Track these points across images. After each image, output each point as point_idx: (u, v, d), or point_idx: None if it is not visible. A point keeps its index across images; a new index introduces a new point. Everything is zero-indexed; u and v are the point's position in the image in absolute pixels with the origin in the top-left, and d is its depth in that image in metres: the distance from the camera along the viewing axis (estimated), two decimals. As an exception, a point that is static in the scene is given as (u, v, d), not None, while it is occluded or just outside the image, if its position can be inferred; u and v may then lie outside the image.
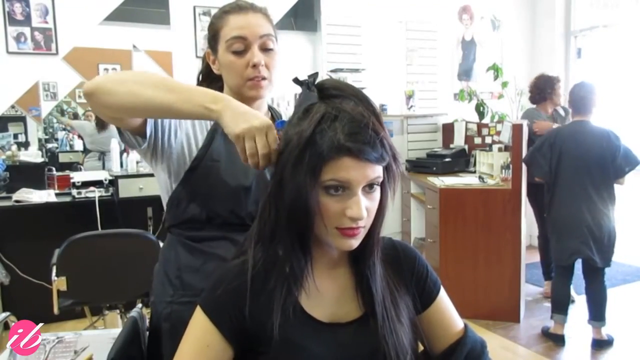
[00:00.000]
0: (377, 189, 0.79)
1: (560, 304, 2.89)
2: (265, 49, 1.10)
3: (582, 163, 2.76)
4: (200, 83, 1.27)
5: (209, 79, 1.24)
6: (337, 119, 0.75)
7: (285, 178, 0.78)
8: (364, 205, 0.76)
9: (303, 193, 0.75)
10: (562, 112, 3.73)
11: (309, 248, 0.82)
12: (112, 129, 2.77)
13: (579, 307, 3.37)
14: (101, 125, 3.81)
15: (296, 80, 0.84)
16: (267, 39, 1.10)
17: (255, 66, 1.08)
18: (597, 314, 2.80)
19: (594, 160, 2.74)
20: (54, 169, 3.47)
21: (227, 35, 1.09)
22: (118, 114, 0.96)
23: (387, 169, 0.80)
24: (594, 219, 2.74)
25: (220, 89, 1.18)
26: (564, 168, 2.82)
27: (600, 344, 2.78)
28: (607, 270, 2.81)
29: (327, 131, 0.74)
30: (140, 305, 1.23)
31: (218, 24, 1.11)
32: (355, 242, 0.80)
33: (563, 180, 2.83)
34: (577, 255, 2.79)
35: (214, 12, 1.17)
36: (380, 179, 0.78)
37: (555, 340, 2.88)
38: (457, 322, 0.93)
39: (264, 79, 1.10)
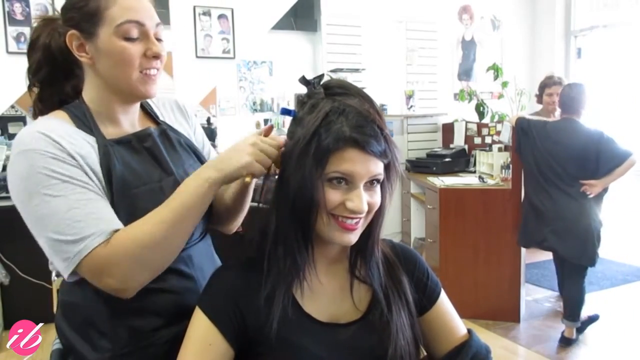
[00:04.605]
0: (378, 186, 0.80)
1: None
2: (158, 40, 0.96)
3: (558, 159, 2.73)
4: (36, 79, 1.00)
5: (52, 73, 0.99)
6: (344, 112, 0.77)
7: (289, 170, 0.79)
8: (365, 200, 0.77)
9: (308, 184, 0.76)
10: None
11: (311, 240, 0.82)
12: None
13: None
14: None
15: (302, 80, 0.84)
16: (160, 28, 0.97)
17: (155, 57, 0.94)
18: (571, 313, 2.79)
19: (573, 157, 2.70)
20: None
21: (117, 18, 0.90)
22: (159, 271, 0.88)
23: (387, 169, 0.80)
24: (565, 212, 2.71)
25: (75, 88, 1.00)
26: (539, 159, 2.80)
27: (569, 342, 2.77)
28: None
29: (334, 124, 0.76)
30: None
31: (100, 1, 0.91)
32: (353, 237, 0.80)
33: (537, 172, 2.82)
34: (543, 242, 2.79)
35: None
36: (381, 177, 0.79)
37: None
38: (460, 327, 0.93)
39: (157, 71, 0.97)
